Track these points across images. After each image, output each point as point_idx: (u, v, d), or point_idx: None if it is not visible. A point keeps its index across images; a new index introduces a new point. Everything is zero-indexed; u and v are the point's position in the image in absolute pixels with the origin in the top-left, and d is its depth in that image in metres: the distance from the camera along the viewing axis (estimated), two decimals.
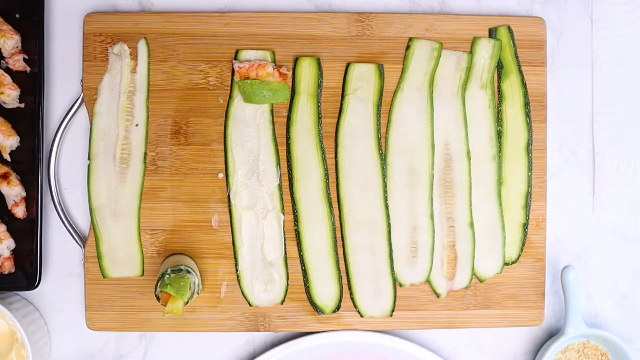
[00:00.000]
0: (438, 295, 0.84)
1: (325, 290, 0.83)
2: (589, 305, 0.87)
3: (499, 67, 0.85)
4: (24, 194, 0.82)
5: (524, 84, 0.85)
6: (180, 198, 0.83)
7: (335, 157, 0.84)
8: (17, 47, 0.83)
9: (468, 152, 0.84)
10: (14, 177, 0.82)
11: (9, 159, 0.83)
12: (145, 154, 0.83)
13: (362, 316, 0.84)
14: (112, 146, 0.83)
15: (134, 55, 0.83)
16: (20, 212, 0.82)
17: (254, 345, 0.86)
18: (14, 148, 0.83)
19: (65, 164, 0.85)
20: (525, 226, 0.85)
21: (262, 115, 0.83)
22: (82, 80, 0.83)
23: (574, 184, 0.87)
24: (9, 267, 0.82)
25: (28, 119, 0.83)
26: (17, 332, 0.79)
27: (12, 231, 0.83)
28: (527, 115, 0.84)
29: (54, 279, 0.85)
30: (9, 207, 0.82)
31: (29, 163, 0.83)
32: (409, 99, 0.84)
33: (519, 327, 0.86)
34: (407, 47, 0.84)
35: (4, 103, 0.83)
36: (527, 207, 0.84)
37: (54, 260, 0.85)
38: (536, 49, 0.85)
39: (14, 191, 0.82)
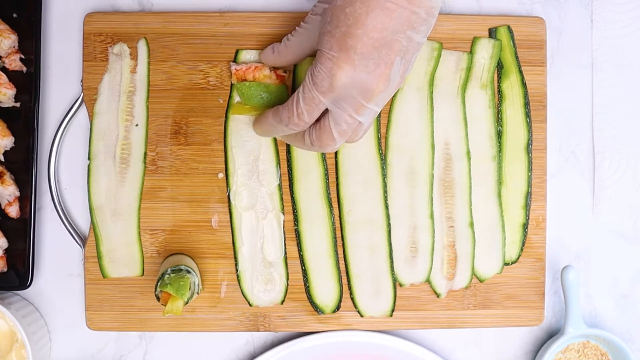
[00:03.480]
0: (438, 295, 0.84)
1: (325, 290, 0.83)
2: (589, 305, 0.87)
3: (499, 67, 0.85)
4: (17, 193, 0.82)
5: (524, 84, 0.84)
6: (180, 198, 0.83)
7: (336, 157, 0.83)
8: (14, 46, 0.83)
9: (468, 152, 0.84)
10: (7, 177, 0.82)
11: (2, 158, 0.83)
12: (145, 154, 0.83)
13: (362, 316, 0.84)
14: (112, 146, 0.82)
15: (134, 55, 0.83)
16: (13, 211, 0.82)
17: (254, 345, 0.86)
18: (8, 148, 0.82)
19: (65, 164, 0.85)
20: (525, 226, 0.85)
21: None
22: (82, 80, 0.83)
23: (574, 184, 0.87)
24: (1, 266, 0.82)
25: (23, 118, 0.82)
26: (17, 332, 0.79)
27: (5, 230, 0.82)
28: (527, 115, 0.84)
29: (53, 279, 0.85)
30: (3, 207, 0.82)
31: (23, 163, 0.82)
32: (409, 99, 0.84)
33: (519, 327, 0.86)
34: None
35: (0, 102, 0.82)
36: (527, 207, 0.84)
37: (53, 260, 0.85)
38: (536, 49, 0.85)
39: (7, 191, 0.81)
